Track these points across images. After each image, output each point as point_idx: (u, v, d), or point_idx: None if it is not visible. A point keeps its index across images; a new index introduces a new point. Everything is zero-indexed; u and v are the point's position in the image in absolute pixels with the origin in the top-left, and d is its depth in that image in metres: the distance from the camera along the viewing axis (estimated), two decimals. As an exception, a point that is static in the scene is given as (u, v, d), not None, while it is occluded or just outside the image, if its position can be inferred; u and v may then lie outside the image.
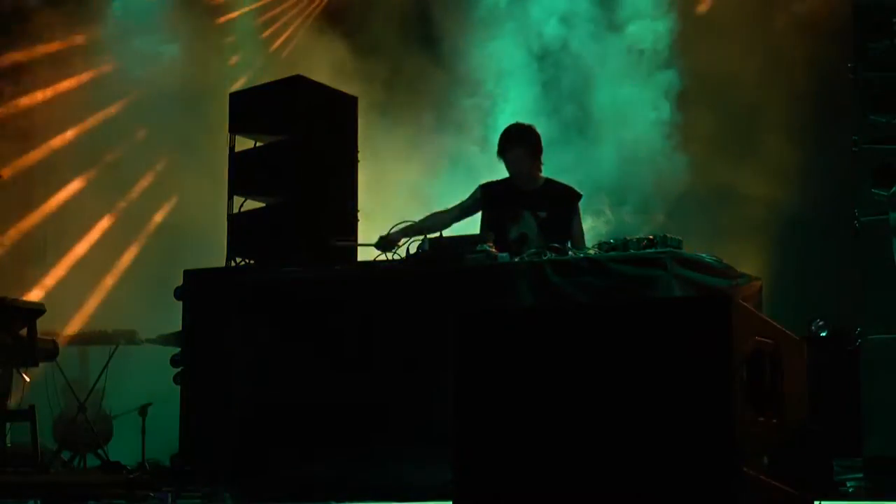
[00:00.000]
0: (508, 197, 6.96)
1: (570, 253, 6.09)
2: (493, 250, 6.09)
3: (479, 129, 10.67)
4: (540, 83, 10.55)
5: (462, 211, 7.09)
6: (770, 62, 9.74)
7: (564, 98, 10.23)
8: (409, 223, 6.72)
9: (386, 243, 6.69)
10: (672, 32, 10.20)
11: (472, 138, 10.65)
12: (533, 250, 6.14)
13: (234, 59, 11.92)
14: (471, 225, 7.15)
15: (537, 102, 10.30)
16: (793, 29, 9.73)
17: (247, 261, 7.47)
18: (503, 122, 7.78)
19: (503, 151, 6.97)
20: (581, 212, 7.08)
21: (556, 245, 6.08)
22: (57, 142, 11.59)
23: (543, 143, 7.03)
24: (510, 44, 10.74)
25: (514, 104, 10.42)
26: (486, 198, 7.04)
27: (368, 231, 7.28)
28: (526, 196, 6.93)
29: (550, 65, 10.60)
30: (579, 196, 7.03)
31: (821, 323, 7.50)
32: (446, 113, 10.83)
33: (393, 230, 6.72)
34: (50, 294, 10.98)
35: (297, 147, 7.45)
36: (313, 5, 12.30)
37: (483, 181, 7.18)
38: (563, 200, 6.96)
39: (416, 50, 11.02)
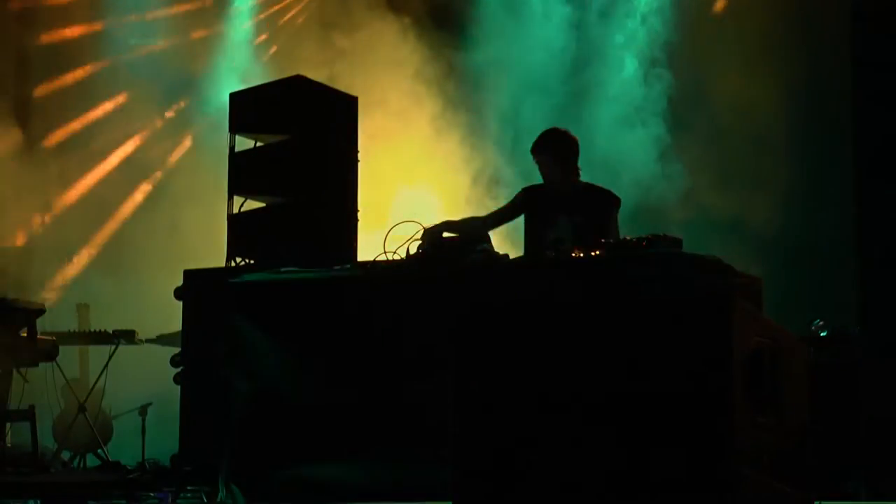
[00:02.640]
0: (545, 201, 6.94)
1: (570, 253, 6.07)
2: (493, 250, 6.08)
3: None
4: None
5: (498, 219, 7.01)
6: (769, 62, 9.73)
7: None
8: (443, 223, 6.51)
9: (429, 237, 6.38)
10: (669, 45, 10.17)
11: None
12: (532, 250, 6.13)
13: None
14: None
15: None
16: (792, 28, 9.73)
17: (247, 261, 7.47)
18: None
19: (533, 156, 6.97)
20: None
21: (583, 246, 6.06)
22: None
23: None
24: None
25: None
26: (527, 201, 7.04)
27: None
28: (563, 200, 6.89)
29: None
30: (618, 200, 6.95)
31: (821, 323, 7.50)
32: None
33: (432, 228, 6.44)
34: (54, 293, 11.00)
35: (297, 147, 7.46)
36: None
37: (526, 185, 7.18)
38: (600, 205, 6.90)
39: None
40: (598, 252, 5.84)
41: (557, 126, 7.16)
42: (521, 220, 7.07)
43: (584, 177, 7.02)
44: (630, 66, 10.26)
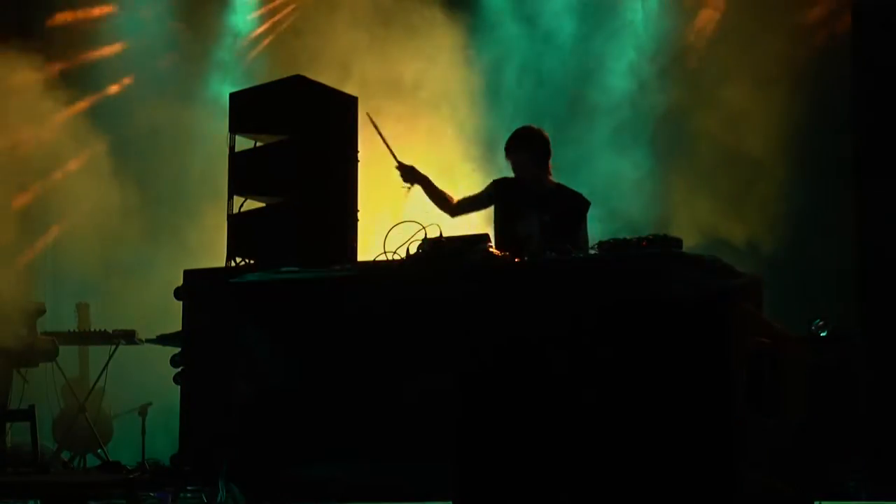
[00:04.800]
0: (516, 196, 6.98)
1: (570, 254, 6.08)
2: (493, 250, 6.09)
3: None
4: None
5: (467, 205, 7.13)
6: (769, 60, 9.73)
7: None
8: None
9: (407, 172, 7.12)
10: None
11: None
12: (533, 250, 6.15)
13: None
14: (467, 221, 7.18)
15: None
16: (791, 29, 9.72)
17: (247, 261, 7.47)
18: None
19: (506, 154, 6.99)
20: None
21: (559, 246, 6.07)
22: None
23: None
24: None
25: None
26: (497, 194, 7.07)
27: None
28: (534, 197, 6.94)
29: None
30: (587, 204, 7.00)
31: (821, 323, 7.50)
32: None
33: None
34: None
35: (297, 147, 7.46)
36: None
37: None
38: (570, 207, 6.95)
39: None
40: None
41: (532, 125, 7.19)
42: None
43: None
44: (626, 84, 10.22)
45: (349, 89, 8.18)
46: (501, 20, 10.91)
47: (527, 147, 6.96)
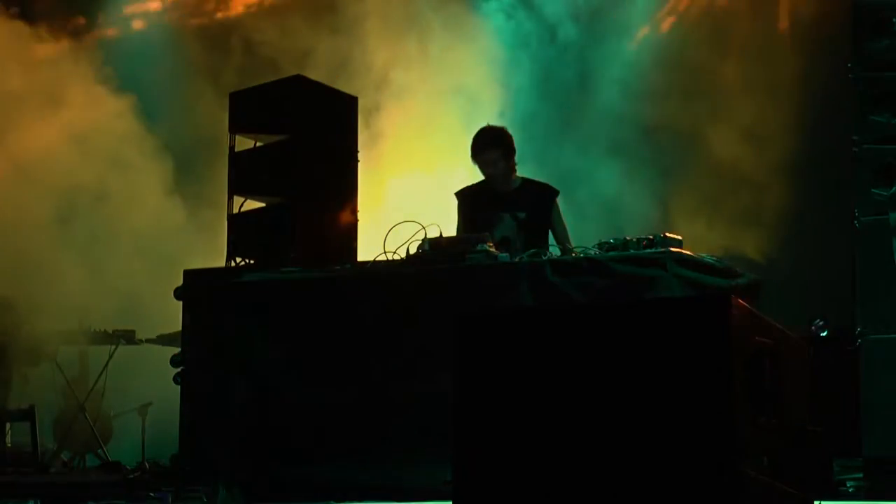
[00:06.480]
0: (486, 200, 6.99)
1: (570, 253, 6.08)
2: (493, 250, 6.09)
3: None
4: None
5: (464, 230, 7.04)
6: (769, 60, 9.73)
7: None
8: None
9: None
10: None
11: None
12: (532, 251, 6.14)
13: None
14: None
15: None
16: (791, 29, 9.73)
17: (247, 261, 7.48)
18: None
19: (475, 155, 6.99)
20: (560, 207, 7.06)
21: (561, 246, 6.08)
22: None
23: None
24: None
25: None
26: (462, 204, 7.08)
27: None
28: (503, 198, 6.96)
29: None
30: (556, 192, 7.07)
31: (821, 323, 7.50)
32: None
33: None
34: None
35: (297, 147, 7.46)
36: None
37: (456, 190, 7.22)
38: (541, 199, 7.00)
39: None
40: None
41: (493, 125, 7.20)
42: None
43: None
44: (617, 96, 10.21)
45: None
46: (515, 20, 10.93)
47: (497, 144, 6.98)
